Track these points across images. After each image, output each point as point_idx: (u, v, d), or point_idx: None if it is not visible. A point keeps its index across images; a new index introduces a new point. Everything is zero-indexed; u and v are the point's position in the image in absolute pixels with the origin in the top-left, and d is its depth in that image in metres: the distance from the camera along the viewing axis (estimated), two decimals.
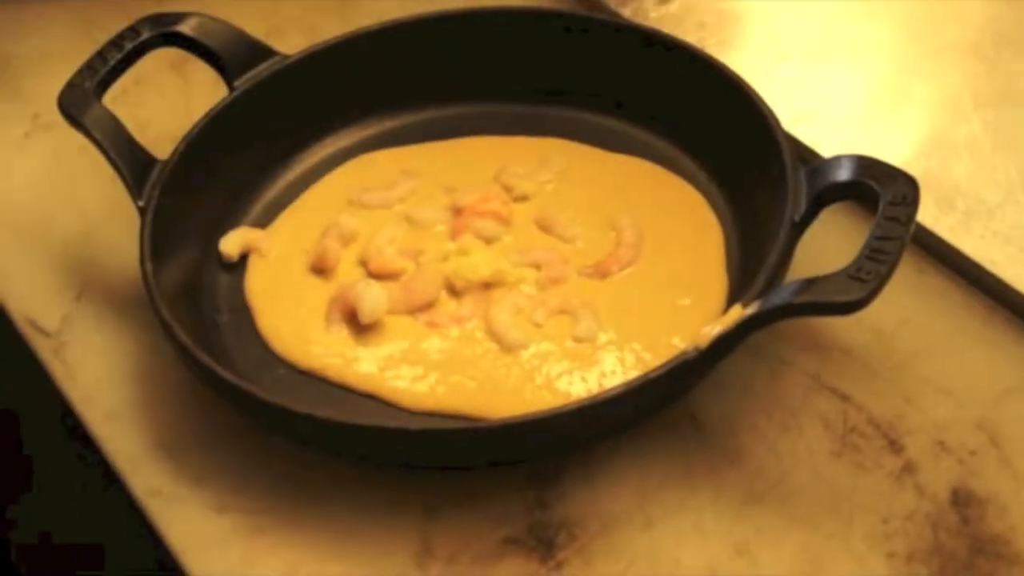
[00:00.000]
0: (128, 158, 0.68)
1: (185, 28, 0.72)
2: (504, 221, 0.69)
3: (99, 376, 0.67)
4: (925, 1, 0.81)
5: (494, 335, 0.64)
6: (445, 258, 0.68)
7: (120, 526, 0.67)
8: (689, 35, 0.76)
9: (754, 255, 0.64)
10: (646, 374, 0.57)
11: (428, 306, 0.66)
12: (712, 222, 0.69)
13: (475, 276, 0.66)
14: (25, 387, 0.75)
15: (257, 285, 0.69)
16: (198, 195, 0.70)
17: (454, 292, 0.66)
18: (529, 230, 0.70)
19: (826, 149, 0.71)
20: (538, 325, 0.65)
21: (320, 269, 0.68)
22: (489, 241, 0.69)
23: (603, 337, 0.64)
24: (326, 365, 0.65)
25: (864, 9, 0.81)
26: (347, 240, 0.69)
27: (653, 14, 0.82)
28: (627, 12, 0.82)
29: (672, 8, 0.82)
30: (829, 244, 0.65)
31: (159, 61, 0.75)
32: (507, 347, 0.64)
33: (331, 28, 0.78)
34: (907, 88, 0.76)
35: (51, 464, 0.94)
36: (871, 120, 0.75)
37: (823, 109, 0.75)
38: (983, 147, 0.71)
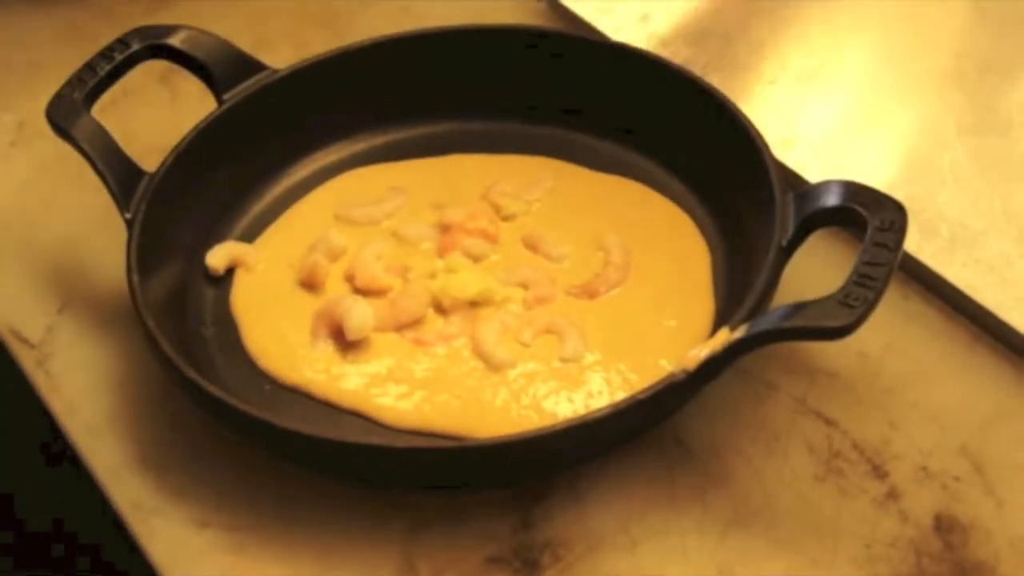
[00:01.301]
0: (116, 170, 0.68)
1: (175, 41, 0.72)
2: (492, 239, 0.69)
3: (82, 388, 0.67)
4: (911, 28, 0.82)
5: (481, 354, 0.64)
6: (432, 276, 0.68)
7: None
8: (676, 58, 0.77)
9: (741, 278, 0.64)
10: (633, 395, 0.57)
11: (415, 323, 0.66)
12: (699, 244, 0.69)
13: (462, 294, 0.66)
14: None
15: (243, 300, 0.69)
16: (185, 208, 0.69)
17: (441, 310, 0.66)
18: (517, 249, 0.70)
19: (811, 174, 0.71)
20: (525, 345, 0.65)
21: (309, 284, 0.68)
22: (477, 259, 0.69)
23: (590, 357, 0.64)
24: (310, 381, 0.64)
25: (850, 35, 0.82)
26: (335, 256, 0.69)
27: (641, 36, 0.82)
28: (614, 35, 0.82)
29: (659, 31, 0.83)
30: (816, 269, 0.65)
31: (147, 73, 0.75)
32: (494, 366, 0.64)
33: (321, 43, 0.78)
34: (892, 115, 0.77)
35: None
36: (856, 146, 0.75)
37: (808, 134, 0.75)
38: (967, 174, 0.72)
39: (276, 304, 0.68)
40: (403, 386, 0.63)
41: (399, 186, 0.73)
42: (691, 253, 0.68)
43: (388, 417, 0.62)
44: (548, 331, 0.65)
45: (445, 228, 0.70)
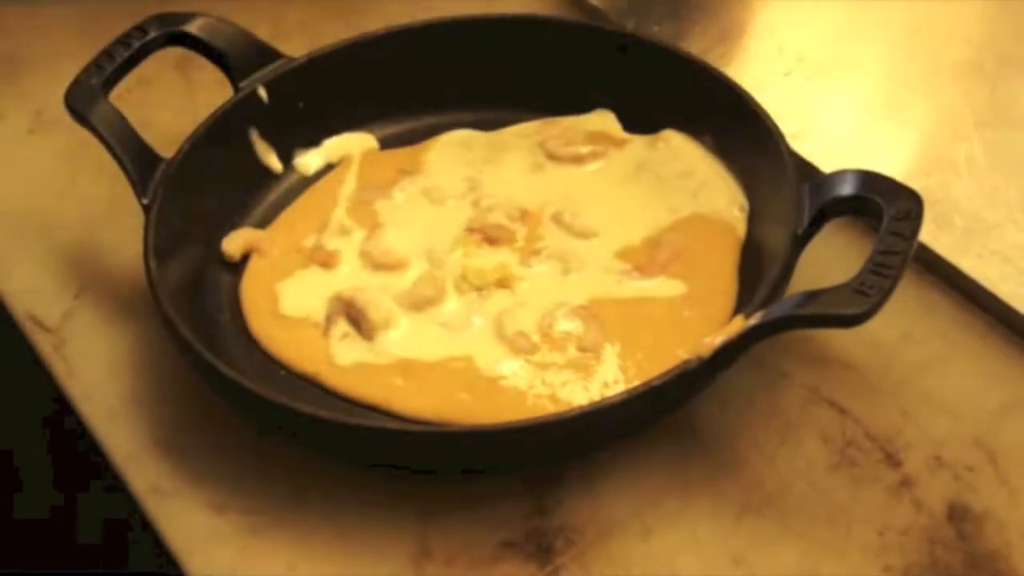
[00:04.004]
0: (133, 155, 0.68)
1: (192, 28, 0.72)
2: (517, 233, 0.69)
3: (99, 373, 0.67)
4: (928, 19, 0.82)
5: (499, 340, 0.64)
6: (452, 256, 0.68)
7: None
8: (691, 49, 0.77)
9: (757, 267, 0.65)
10: (648, 382, 0.58)
11: (432, 305, 0.66)
12: (733, 237, 0.68)
13: (480, 279, 0.66)
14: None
15: (252, 286, 0.68)
16: (202, 194, 0.70)
17: (461, 292, 0.66)
18: (543, 227, 0.69)
19: (826, 165, 0.71)
20: (544, 333, 0.64)
21: (323, 263, 0.68)
22: (498, 241, 0.68)
23: (608, 347, 0.63)
24: (321, 370, 0.64)
25: (866, 26, 0.82)
26: (347, 234, 0.70)
27: (656, 28, 0.82)
28: (630, 25, 0.82)
29: (674, 22, 0.83)
30: (831, 258, 0.65)
31: (163, 61, 0.75)
32: (511, 353, 0.63)
33: (335, 33, 0.78)
34: (907, 106, 0.77)
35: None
36: (871, 136, 0.75)
37: (823, 125, 0.75)
38: (982, 166, 0.72)
39: (286, 290, 0.68)
40: (418, 373, 0.63)
41: (411, 169, 0.73)
42: (720, 244, 0.68)
43: (402, 407, 0.62)
44: (567, 319, 0.65)
45: (470, 230, 0.70)
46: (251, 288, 0.68)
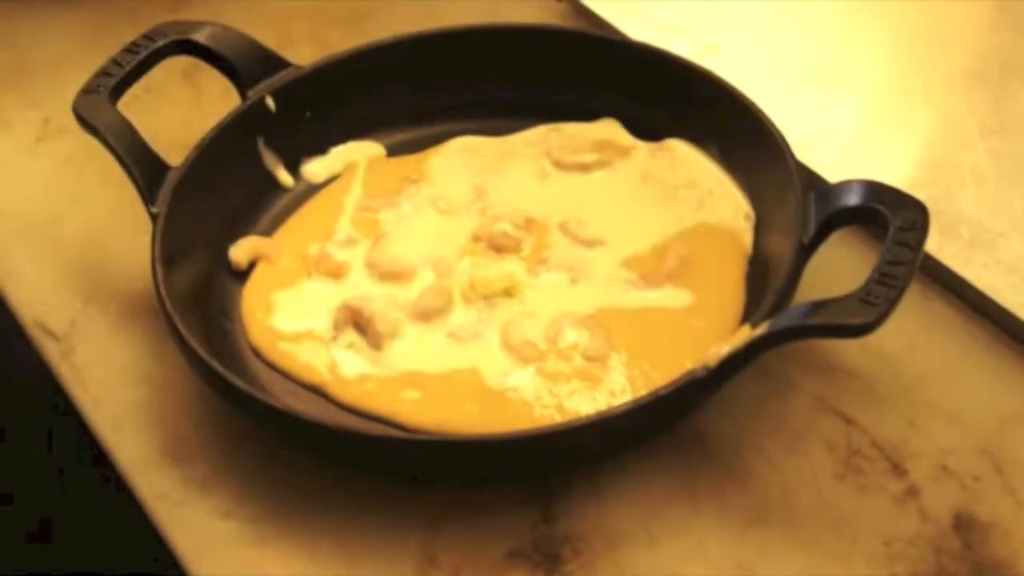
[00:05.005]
0: (142, 164, 0.68)
1: (200, 37, 0.73)
2: (523, 242, 0.69)
3: (107, 380, 0.67)
4: (933, 28, 0.82)
5: (506, 349, 0.64)
6: (460, 263, 0.68)
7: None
8: (697, 59, 0.77)
9: (763, 276, 0.65)
10: (654, 391, 0.58)
11: (440, 315, 0.66)
12: (739, 246, 0.68)
13: (488, 289, 0.66)
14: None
15: (255, 296, 0.68)
16: (210, 202, 0.70)
17: (468, 301, 0.66)
18: (549, 235, 0.69)
19: (832, 175, 0.71)
20: (551, 342, 0.64)
21: (331, 273, 0.68)
22: (505, 250, 0.68)
23: (614, 356, 0.63)
24: (325, 382, 0.64)
25: (871, 36, 0.82)
26: (353, 244, 0.70)
27: (661, 37, 0.82)
28: (634, 34, 0.82)
29: (679, 32, 0.83)
30: (837, 268, 0.65)
31: (170, 70, 0.76)
32: (518, 362, 0.63)
33: (342, 42, 0.78)
34: (913, 116, 0.77)
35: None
36: (876, 146, 0.75)
37: (829, 135, 0.75)
38: (988, 176, 0.72)
39: (290, 300, 0.68)
40: (425, 385, 0.63)
41: (417, 177, 0.74)
42: (727, 254, 0.68)
43: (408, 418, 0.62)
44: (573, 329, 0.64)
45: (476, 238, 0.70)
46: (253, 297, 0.68)
